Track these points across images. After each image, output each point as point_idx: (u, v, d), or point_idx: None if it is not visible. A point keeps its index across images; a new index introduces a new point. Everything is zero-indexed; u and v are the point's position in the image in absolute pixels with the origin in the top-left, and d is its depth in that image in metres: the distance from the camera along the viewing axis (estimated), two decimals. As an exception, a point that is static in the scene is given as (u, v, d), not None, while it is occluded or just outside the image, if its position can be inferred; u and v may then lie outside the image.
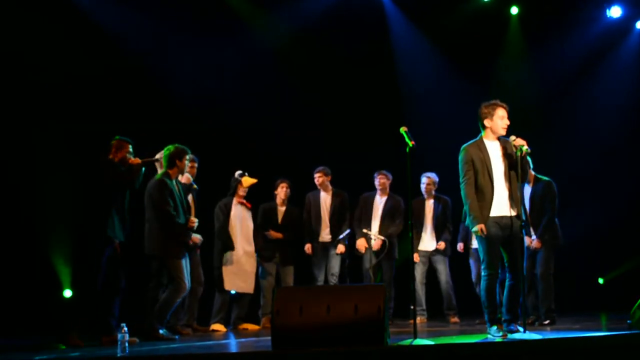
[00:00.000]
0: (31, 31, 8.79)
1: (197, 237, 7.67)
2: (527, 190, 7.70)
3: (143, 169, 6.92)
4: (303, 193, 8.98)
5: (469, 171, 6.05)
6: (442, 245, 8.73)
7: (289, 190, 8.67)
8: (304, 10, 9.97)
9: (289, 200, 8.75)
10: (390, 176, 8.88)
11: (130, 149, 6.92)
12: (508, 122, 6.11)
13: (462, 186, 6.11)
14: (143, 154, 7.07)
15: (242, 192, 8.29)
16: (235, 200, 8.29)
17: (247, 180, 8.25)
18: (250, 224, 8.40)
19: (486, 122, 6.13)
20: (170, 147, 7.30)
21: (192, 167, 7.91)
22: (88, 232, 6.75)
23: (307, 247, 8.73)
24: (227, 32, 9.74)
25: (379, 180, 8.82)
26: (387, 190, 8.85)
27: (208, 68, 9.64)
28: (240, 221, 8.30)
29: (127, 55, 9.26)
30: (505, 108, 6.13)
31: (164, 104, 9.34)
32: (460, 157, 6.12)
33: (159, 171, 7.36)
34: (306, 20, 9.98)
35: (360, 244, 8.58)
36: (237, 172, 8.33)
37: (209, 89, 9.62)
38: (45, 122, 8.81)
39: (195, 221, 7.38)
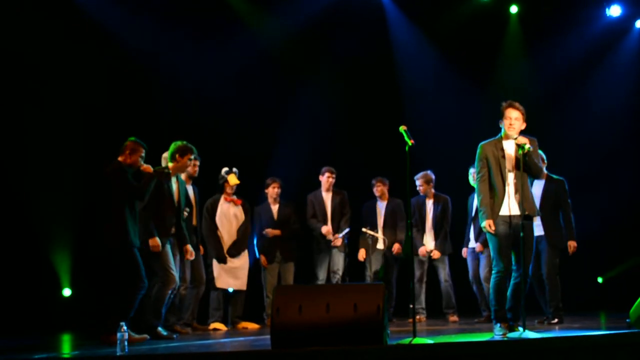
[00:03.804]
0: (30, 30, 8.78)
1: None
2: (540, 186, 7.73)
3: (154, 180, 6.74)
4: (301, 193, 8.98)
5: (482, 168, 6.21)
6: (436, 254, 8.71)
7: (280, 189, 8.68)
8: (303, 11, 9.95)
9: (280, 198, 8.74)
10: (386, 181, 8.90)
11: (143, 154, 6.75)
12: (515, 124, 6.14)
13: (476, 183, 6.28)
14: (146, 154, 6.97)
15: (229, 189, 8.26)
16: (223, 199, 8.26)
17: (233, 180, 8.20)
18: (240, 220, 8.32)
19: (500, 122, 6.24)
20: (177, 143, 7.22)
21: (193, 165, 7.87)
22: (112, 238, 6.49)
23: (327, 231, 8.65)
24: (226, 32, 9.73)
25: (377, 188, 8.88)
26: (387, 194, 8.88)
27: (209, 69, 9.62)
28: (228, 219, 8.26)
29: (125, 55, 9.25)
30: (516, 109, 6.17)
31: (162, 104, 9.34)
32: (477, 154, 6.27)
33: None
34: (305, 20, 9.97)
35: (361, 255, 8.77)
36: (224, 170, 8.24)
37: (207, 89, 9.61)
38: (45, 124, 8.81)
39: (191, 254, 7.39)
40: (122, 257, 6.51)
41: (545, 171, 7.76)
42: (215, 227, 8.18)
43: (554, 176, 7.82)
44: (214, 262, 8.17)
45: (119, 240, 6.50)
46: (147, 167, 6.74)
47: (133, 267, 6.52)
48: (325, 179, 8.82)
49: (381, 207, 8.91)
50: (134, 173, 6.73)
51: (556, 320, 7.57)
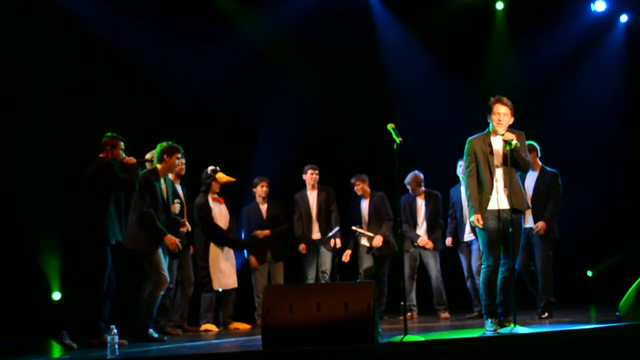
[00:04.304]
0: (20, 32, 8.72)
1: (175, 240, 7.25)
2: (533, 178, 7.76)
3: (140, 169, 6.80)
4: (289, 192, 8.97)
5: (471, 163, 6.23)
6: (430, 244, 8.73)
7: (268, 188, 8.65)
8: (290, 10, 9.93)
9: (269, 197, 8.72)
10: (365, 178, 8.88)
11: (123, 146, 6.77)
12: (503, 120, 6.15)
13: (464, 177, 6.32)
14: (133, 154, 6.95)
15: (216, 188, 8.23)
16: (210, 197, 8.23)
17: (223, 177, 8.16)
18: (227, 220, 8.29)
19: (489, 118, 6.26)
20: (164, 144, 7.23)
21: (180, 163, 7.84)
22: (89, 234, 6.52)
23: (302, 247, 8.74)
24: (214, 31, 9.69)
25: (357, 187, 8.86)
26: (368, 191, 8.88)
27: (195, 68, 9.59)
28: (221, 217, 8.24)
29: (115, 55, 9.21)
30: (503, 104, 6.18)
31: (151, 103, 9.31)
32: (465, 149, 6.29)
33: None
34: (292, 19, 9.94)
35: (345, 256, 8.76)
36: (210, 168, 8.19)
37: (196, 89, 9.58)
38: (35, 125, 8.76)
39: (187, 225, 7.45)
40: (94, 253, 6.50)
41: (540, 163, 7.81)
42: (215, 223, 8.13)
43: (548, 168, 7.85)
44: (210, 264, 8.10)
45: (98, 234, 6.49)
46: (130, 159, 6.75)
47: (100, 265, 6.49)
48: (309, 176, 8.81)
49: (364, 204, 8.91)
50: (125, 170, 6.73)
51: (546, 314, 7.60)
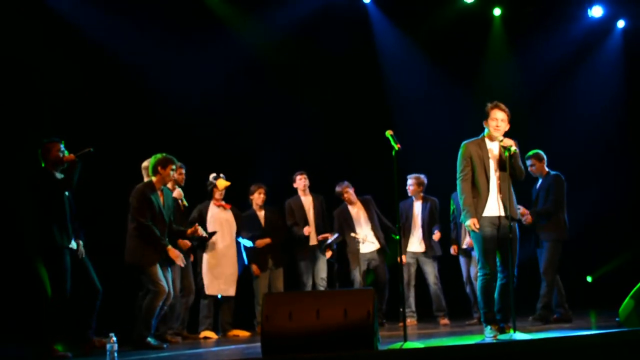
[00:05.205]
0: (21, 34, 8.70)
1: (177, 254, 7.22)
2: (539, 184, 7.88)
3: (79, 164, 6.63)
4: (284, 197, 8.96)
5: (466, 167, 6.14)
6: (437, 235, 8.68)
7: (265, 195, 8.64)
8: (287, 16, 9.94)
9: (265, 204, 8.71)
10: (349, 184, 8.85)
11: (62, 147, 6.67)
12: (501, 125, 6.11)
13: (458, 182, 6.19)
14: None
15: (218, 195, 8.24)
16: (212, 204, 8.24)
17: (222, 183, 8.20)
18: (232, 226, 8.31)
19: (485, 123, 6.20)
20: (158, 155, 7.20)
21: (179, 173, 7.85)
22: (36, 244, 6.56)
23: (307, 230, 8.62)
24: (210, 36, 9.69)
25: (345, 195, 8.76)
26: (354, 197, 8.82)
27: (191, 72, 9.58)
28: (220, 224, 8.24)
29: (110, 63, 9.20)
30: (501, 110, 6.15)
31: (147, 111, 9.30)
32: (459, 153, 6.20)
33: (145, 179, 7.32)
34: (289, 25, 9.96)
35: (323, 235, 8.63)
36: (212, 175, 8.25)
37: (192, 93, 9.57)
38: (35, 124, 8.74)
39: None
40: (49, 261, 6.50)
41: (546, 169, 7.87)
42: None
43: (552, 172, 7.87)
44: (204, 269, 8.11)
45: (47, 242, 6.49)
46: (70, 157, 6.64)
47: (58, 272, 6.48)
48: (300, 182, 8.79)
49: (355, 210, 8.82)
50: (66, 168, 6.62)
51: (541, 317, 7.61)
